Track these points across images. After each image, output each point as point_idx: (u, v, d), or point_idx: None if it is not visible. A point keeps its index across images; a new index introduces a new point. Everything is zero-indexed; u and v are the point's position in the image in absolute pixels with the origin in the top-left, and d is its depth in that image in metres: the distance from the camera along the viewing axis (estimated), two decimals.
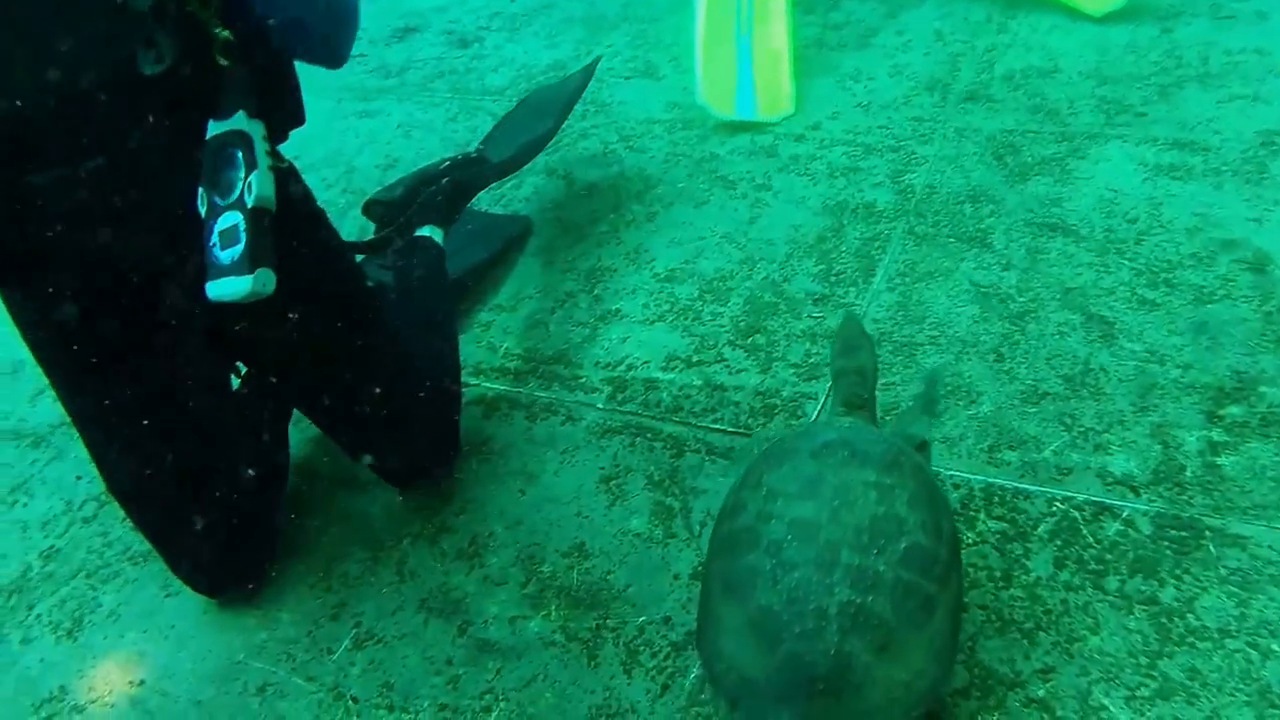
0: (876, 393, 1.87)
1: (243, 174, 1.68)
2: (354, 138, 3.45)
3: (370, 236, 2.61)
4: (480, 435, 2.34)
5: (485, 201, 2.95)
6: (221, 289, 1.69)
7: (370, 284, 2.18)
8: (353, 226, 2.84)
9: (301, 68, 1.86)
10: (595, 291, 2.63)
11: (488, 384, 2.47)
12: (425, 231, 2.56)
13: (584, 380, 2.41)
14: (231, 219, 1.68)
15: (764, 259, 2.61)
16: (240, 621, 2.06)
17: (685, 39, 3.17)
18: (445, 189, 2.63)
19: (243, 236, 1.67)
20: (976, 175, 2.66)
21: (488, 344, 2.58)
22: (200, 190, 1.70)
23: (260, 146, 1.70)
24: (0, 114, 1.58)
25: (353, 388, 2.06)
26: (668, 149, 3.08)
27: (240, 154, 1.69)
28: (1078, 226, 2.44)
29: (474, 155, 2.76)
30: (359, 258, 2.42)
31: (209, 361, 2.00)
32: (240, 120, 1.70)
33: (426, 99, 3.62)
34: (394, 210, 2.58)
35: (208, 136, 1.70)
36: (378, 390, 2.07)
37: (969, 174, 2.67)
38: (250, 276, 1.67)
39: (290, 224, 1.80)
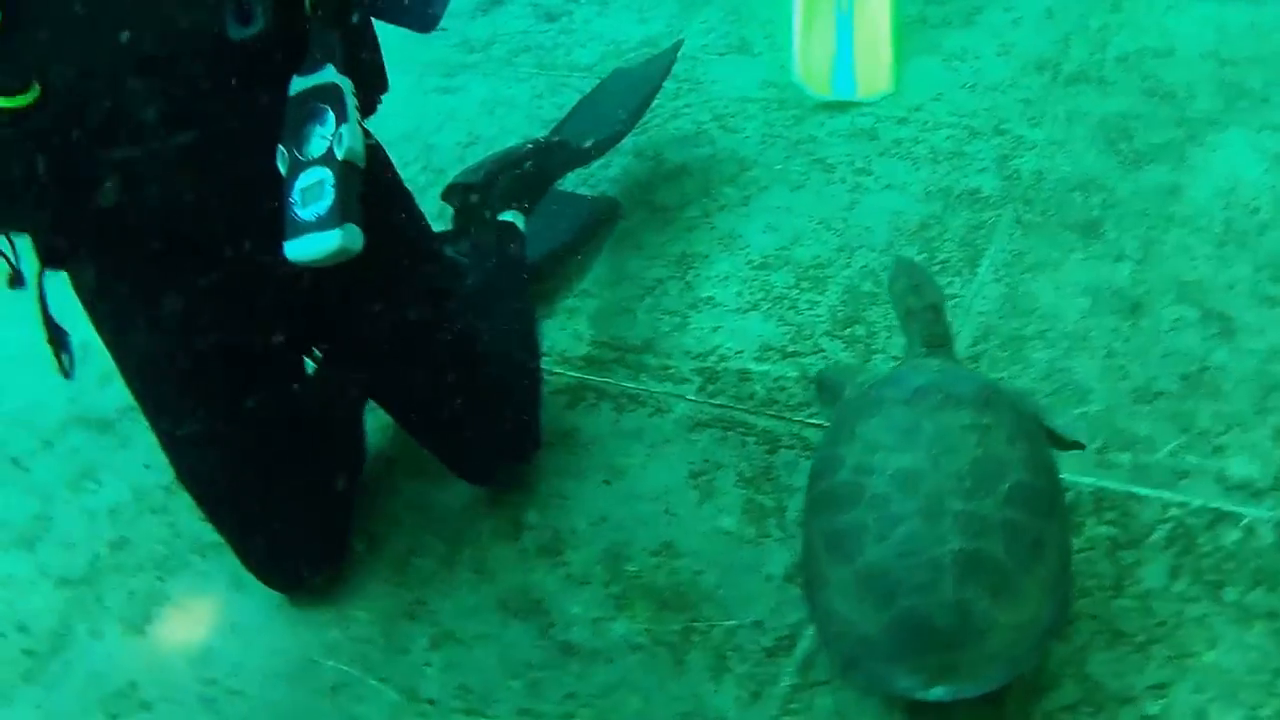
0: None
1: (332, 128, 1.59)
2: (434, 114, 3.36)
3: (449, 222, 2.55)
4: (564, 426, 2.27)
5: (571, 183, 2.86)
6: (303, 247, 1.60)
7: (452, 269, 2.13)
8: (431, 206, 2.76)
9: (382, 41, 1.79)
10: (686, 278, 2.55)
11: (572, 373, 2.40)
12: (507, 217, 2.49)
13: (673, 371, 2.34)
14: (317, 174, 1.59)
15: (863, 246, 2.52)
16: (312, 618, 2.02)
17: (783, 14, 3.07)
18: (528, 173, 2.55)
19: (330, 192, 1.58)
20: (1087, 161, 2.55)
21: (573, 331, 2.51)
22: (280, 147, 1.61)
23: (350, 100, 1.62)
24: (84, 87, 1.54)
25: (430, 374, 2.01)
26: (763, 130, 2.99)
27: (329, 108, 1.60)
28: (1195, 217, 2.33)
29: (557, 140, 2.68)
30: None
31: (284, 343, 1.94)
32: (329, 73, 1.62)
33: (511, 74, 3.53)
34: (475, 194, 2.50)
35: (292, 92, 1.63)
36: (455, 378, 2.02)
37: (1079, 160, 2.57)
38: (339, 230, 1.57)
39: (376, 198, 1.71)
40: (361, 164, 1.63)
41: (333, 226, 1.58)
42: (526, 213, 2.54)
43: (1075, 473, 1.92)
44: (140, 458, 2.32)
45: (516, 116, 3.30)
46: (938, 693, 1.42)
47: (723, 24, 3.51)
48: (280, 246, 1.61)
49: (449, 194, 2.53)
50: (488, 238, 2.45)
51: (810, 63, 3.02)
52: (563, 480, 2.17)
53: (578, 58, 3.56)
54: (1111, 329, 2.16)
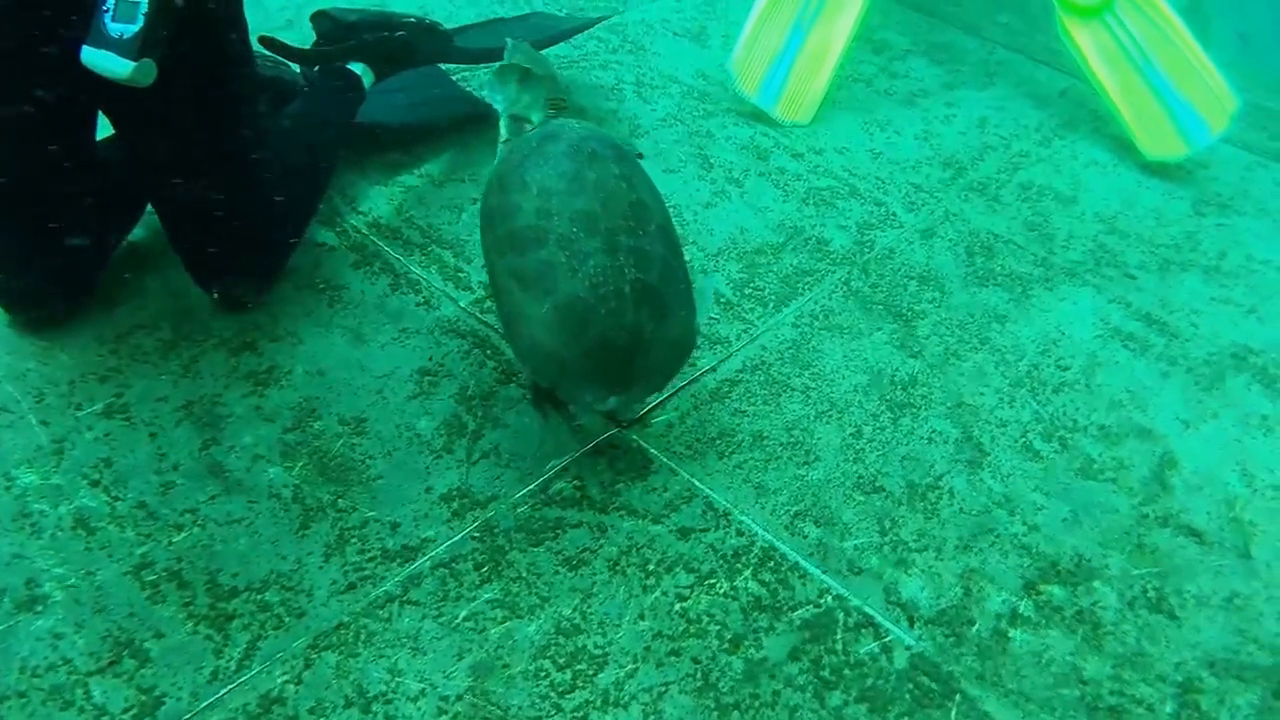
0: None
1: None
2: None
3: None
4: (338, 280, 2.25)
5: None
6: (97, 59, 1.63)
7: (266, 87, 2.15)
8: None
9: None
10: None
11: (373, 238, 2.37)
12: (357, 69, 2.41)
13: (462, 276, 2.28)
14: None
15: (696, 244, 2.43)
16: (16, 344, 2.02)
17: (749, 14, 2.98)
18: (396, 42, 2.48)
19: (140, 19, 1.61)
20: (940, 260, 2.47)
21: (396, 205, 2.47)
22: None
23: None
24: None
25: (200, 184, 1.98)
26: (671, 109, 2.90)
27: None
28: (1007, 350, 2.25)
29: (441, 29, 2.60)
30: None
31: (76, 97, 1.88)
32: None
33: None
34: (338, 32, 2.44)
35: None
36: (218, 184, 2.00)
37: (933, 255, 2.48)
38: (133, 64, 1.63)
39: (201, 20, 1.73)
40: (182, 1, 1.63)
41: (129, 55, 1.62)
42: (378, 77, 2.51)
43: (760, 524, 1.87)
44: None
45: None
46: (612, 402, 1.65)
47: (694, 7, 3.41)
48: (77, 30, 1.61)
49: (316, 17, 2.49)
50: (327, 76, 2.37)
51: (748, 60, 2.95)
52: (308, 326, 2.14)
53: None
54: (871, 413, 2.07)
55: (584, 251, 1.58)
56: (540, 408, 1.88)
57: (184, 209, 2.02)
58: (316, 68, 2.44)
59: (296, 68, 2.47)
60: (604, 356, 1.59)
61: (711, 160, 2.71)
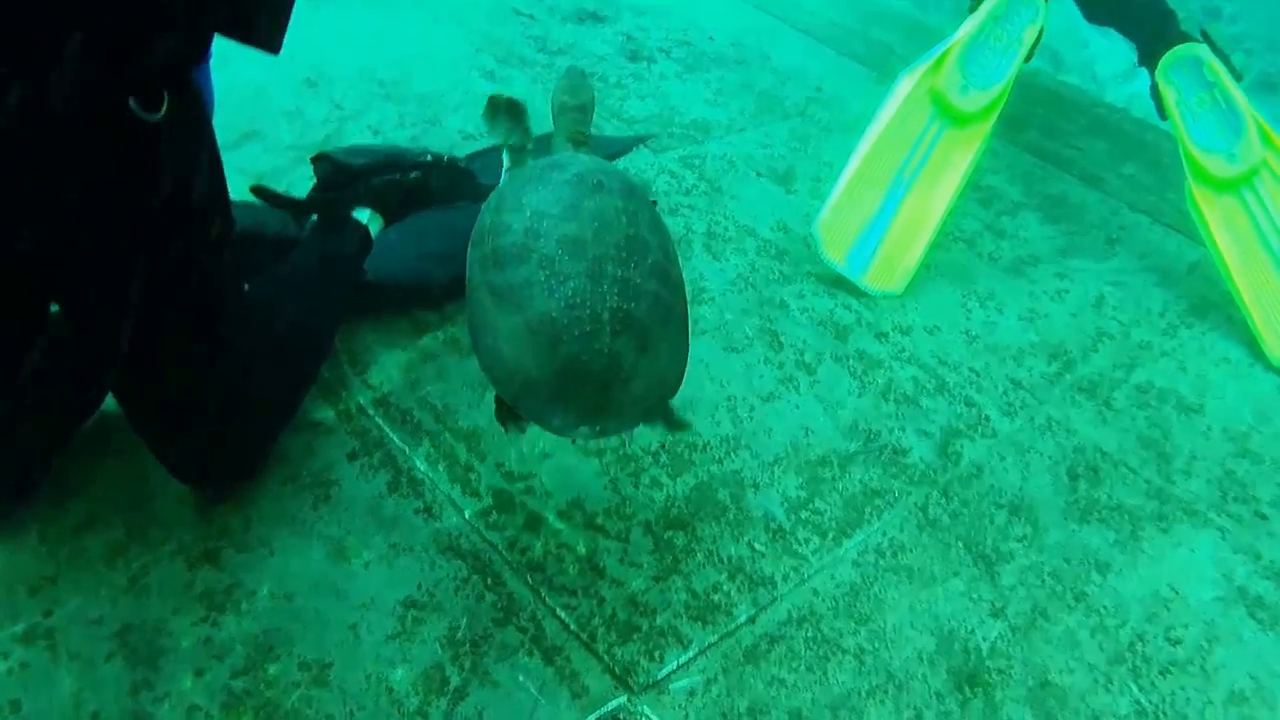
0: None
1: None
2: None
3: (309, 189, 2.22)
4: (329, 474, 1.98)
5: None
6: None
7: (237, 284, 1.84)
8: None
9: None
10: None
11: (379, 420, 2.10)
12: (363, 216, 2.13)
13: (473, 476, 2.00)
14: None
15: (749, 449, 2.12)
16: None
17: (843, 163, 2.67)
18: (409, 184, 2.21)
19: None
20: (1034, 484, 2.12)
21: (412, 375, 2.19)
22: None
23: None
24: None
25: (160, 374, 1.71)
26: (743, 269, 2.60)
27: None
28: (1106, 611, 1.90)
29: (460, 166, 2.32)
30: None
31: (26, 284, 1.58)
32: None
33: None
34: (342, 177, 2.17)
35: None
36: (186, 385, 1.73)
37: (1029, 477, 2.14)
38: None
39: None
40: None
41: None
42: (389, 220, 2.23)
43: None
44: None
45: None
46: (584, 432, 1.57)
47: (782, 144, 3.14)
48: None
49: (318, 161, 2.20)
50: (327, 229, 2.10)
51: (836, 224, 2.65)
52: (284, 533, 1.86)
53: (630, 109, 3.20)
54: (936, 692, 1.74)
55: (565, 273, 1.55)
56: (502, 420, 1.73)
57: (140, 399, 1.75)
58: (314, 218, 2.17)
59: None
60: (575, 380, 1.53)
61: (782, 338, 2.40)
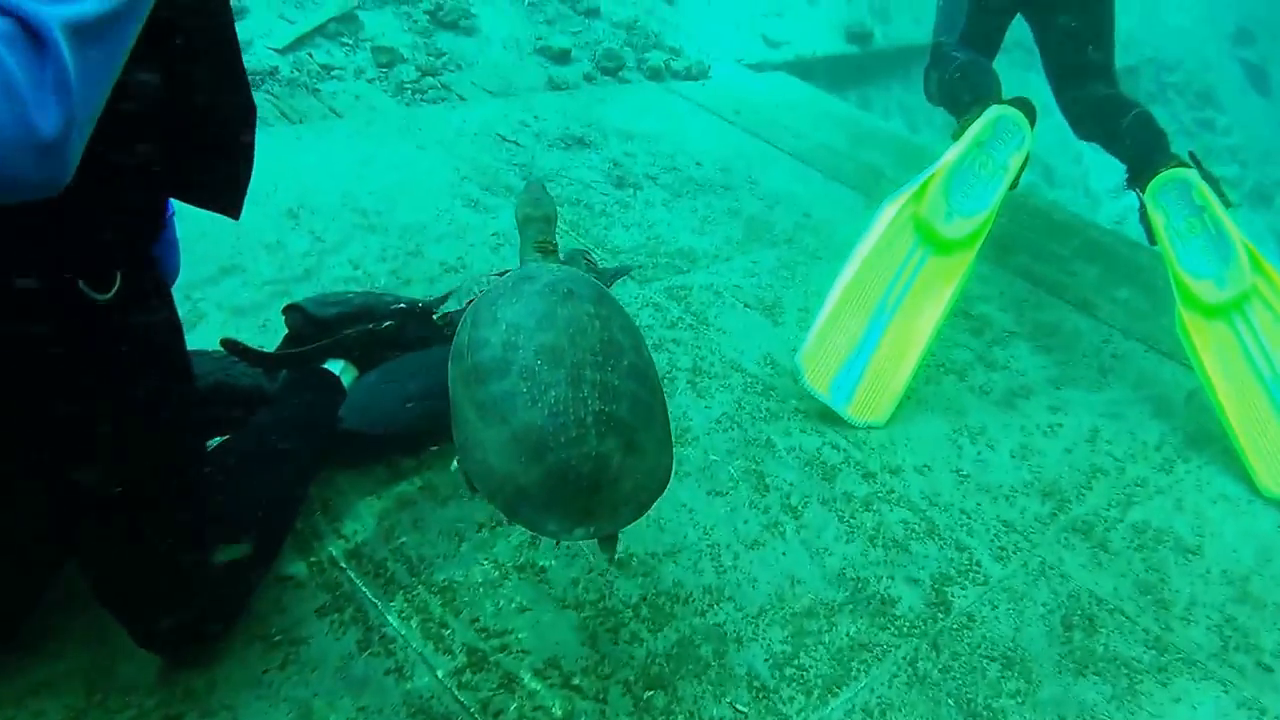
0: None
1: None
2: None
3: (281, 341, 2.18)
4: (298, 631, 1.89)
5: None
6: None
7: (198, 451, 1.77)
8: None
9: None
10: (534, 536, 2.10)
11: (350, 573, 2.01)
12: (335, 367, 2.09)
13: (446, 633, 1.92)
14: None
15: (733, 600, 2.05)
16: None
17: (829, 290, 2.64)
18: (382, 333, 2.17)
19: None
20: (1029, 634, 2.05)
21: (387, 523, 2.12)
22: None
23: None
24: None
25: (117, 537, 1.62)
26: (728, 407, 2.55)
27: None
28: None
29: (433, 311, 2.28)
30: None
31: None
32: None
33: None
34: (313, 328, 2.12)
35: None
36: (141, 550, 1.64)
37: (1022, 626, 2.07)
38: None
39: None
40: None
41: None
42: (361, 369, 2.17)
43: None
44: None
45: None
46: (580, 534, 1.57)
47: (770, 274, 3.12)
48: None
49: (289, 311, 2.16)
50: (298, 385, 2.05)
51: (819, 354, 2.62)
52: (249, 696, 1.77)
53: (615, 238, 3.19)
54: None
55: (546, 383, 1.57)
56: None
57: (103, 570, 1.68)
58: (282, 379, 2.12)
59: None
60: (565, 485, 1.55)
61: (768, 480, 2.34)
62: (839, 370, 2.60)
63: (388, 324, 2.19)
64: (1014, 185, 2.92)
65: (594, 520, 1.59)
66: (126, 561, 1.65)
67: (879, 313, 2.67)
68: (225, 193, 1.47)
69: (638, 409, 1.63)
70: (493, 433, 1.59)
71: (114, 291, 1.37)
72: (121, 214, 1.37)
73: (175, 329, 1.59)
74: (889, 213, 2.73)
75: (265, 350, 2.06)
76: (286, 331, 2.17)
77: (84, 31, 1.02)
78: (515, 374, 1.59)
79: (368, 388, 2.19)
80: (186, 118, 1.39)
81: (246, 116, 1.50)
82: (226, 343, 2.00)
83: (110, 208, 1.34)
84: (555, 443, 1.55)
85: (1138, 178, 2.96)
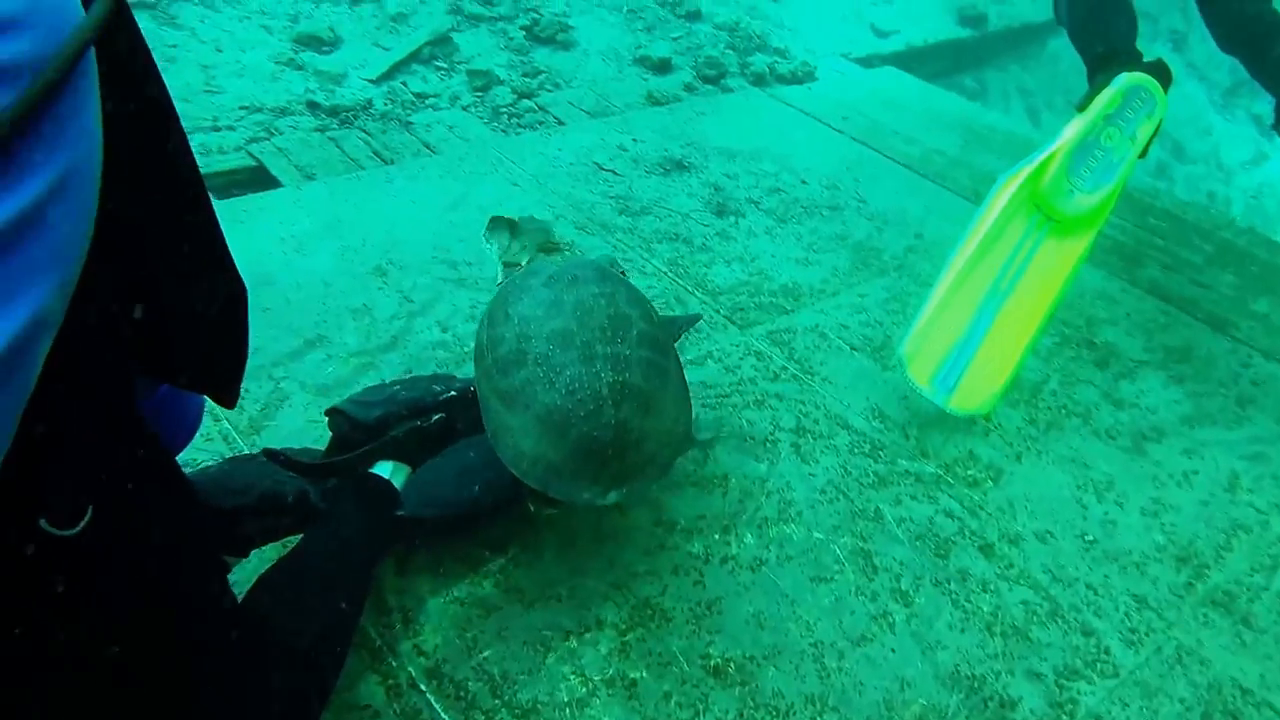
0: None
1: None
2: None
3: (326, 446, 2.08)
4: None
5: None
6: None
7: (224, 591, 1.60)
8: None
9: None
10: (628, 636, 2.00)
11: (432, 697, 1.90)
12: (385, 470, 1.99)
13: None
14: None
15: (837, 711, 1.93)
16: None
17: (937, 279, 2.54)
18: (432, 428, 2.06)
19: None
20: None
21: (471, 636, 2.00)
22: None
23: None
24: None
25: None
26: (833, 473, 2.42)
27: None
28: None
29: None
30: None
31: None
32: None
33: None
34: (359, 433, 2.02)
35: None
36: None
37: None
38: None
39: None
40: None
41: None
42: (414, 465, 2.04)
43: None
44: None
45: None
46: (614, 497, 1.75)
47: (879, 306, 2.97)
48: None
49: (331, 415, 2.05)
50: (345, 493, 1.96)
51: (925, 346, 2.52)
52: None
53: (714, 276, 3.07)
54: None
55: (560, 365, 1.72)
56: (537, 507, 1.95)
57: None
58: (327, 488, 1.98)
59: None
60: (591, 455, 1.71)
61: (876, 560, 2.21)
62: (944, 361, 2.51)
63: (437, 417, 2.08)
64: (1143, 154, 2.71)
65: (624, 482, 1.76)
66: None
67: (989, 300, 2.54)
68: (214, 382, 1.37)
69: (651, 372, 1.78)
70: (518, 419, 1.74)
71: (83, 525, 1.19)
72: (84, 444, 1.19)
73: (185, 520, 1.41)
74: (1005, 193, 2.57)
75: (308, 460, 1.98)
76: (330, 435, 2.08)
77: None
78: (531, 362, 1.75)
79: (430, 468, 2.09)
80: (161, 324, 1.25)
81: (236, 303, 1.35)
82: (268, 452, 1.92)
83: (69, 441, 1.16)
84: (575, 418, 1.70)
85: None
